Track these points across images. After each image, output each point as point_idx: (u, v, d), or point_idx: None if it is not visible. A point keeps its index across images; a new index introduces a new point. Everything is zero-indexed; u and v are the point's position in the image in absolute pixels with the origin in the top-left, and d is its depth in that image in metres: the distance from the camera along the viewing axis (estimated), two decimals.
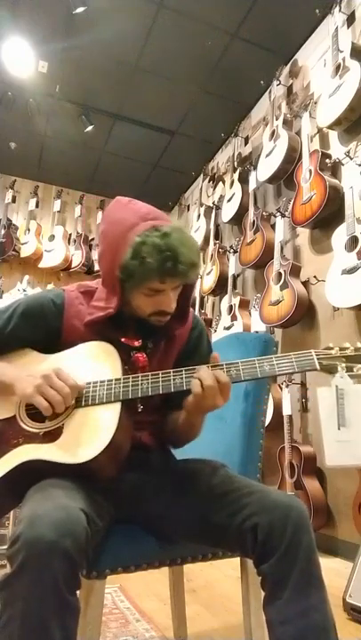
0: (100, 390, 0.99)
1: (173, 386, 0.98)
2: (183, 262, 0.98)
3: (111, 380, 0.99)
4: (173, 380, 0.98)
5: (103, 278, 1.11)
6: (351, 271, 2.31)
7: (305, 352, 0.96)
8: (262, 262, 3.11)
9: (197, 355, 1.18)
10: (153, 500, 1.05)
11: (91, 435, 0.94)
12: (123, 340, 1.10)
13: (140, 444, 1.11)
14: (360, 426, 0.96)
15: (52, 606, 0.72)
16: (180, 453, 1.20)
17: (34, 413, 1.01)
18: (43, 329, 1.10)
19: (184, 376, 0.98)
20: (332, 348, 0.96)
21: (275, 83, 3.37)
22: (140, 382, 0.98)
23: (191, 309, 1.21)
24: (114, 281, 1.03)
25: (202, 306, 4.15)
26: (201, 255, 1.06)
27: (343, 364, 0.94)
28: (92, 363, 1.04)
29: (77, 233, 4.81)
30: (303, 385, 2.81)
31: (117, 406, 0.97)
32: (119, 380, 0.99)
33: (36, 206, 4.86)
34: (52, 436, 0.96)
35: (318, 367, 0.94)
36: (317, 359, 0.94)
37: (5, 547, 0.77)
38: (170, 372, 0.99)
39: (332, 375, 0.95)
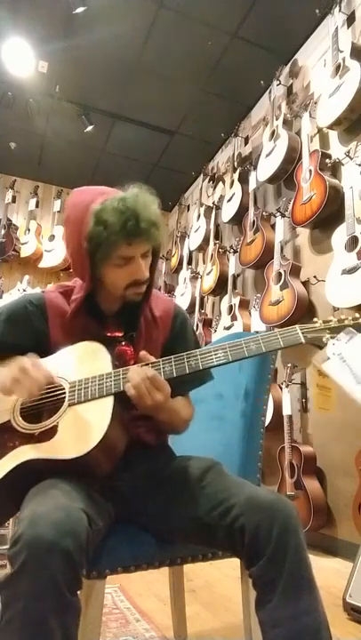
0: (92, 386, 0.99)
1: (163, 374, 0.99)
2: (144, 219, 1.01)
3: (102, 375, 1.00)
4: (163, 368, 0.99)
5: (73, 262, 1.12)
6: (351, 271, 2.31)
7: (289, 328, 0.98)
8: (262, 262, 3.11)
9: (183, 340, 1.20)
10: (151, 500, 1.05)
11: (85, 430, 0.94)
12: (107, 333, 1.12)
13: (139, 442, 1.11)
14: None
15: (53, 606, 0.72)
16: (179, 452, 1.20)
17: (29, 416, 1.02)
18: (30, 333, 1.11)
19: (173, 363, 0.99)
20: (316, 322, 0.98)
21: (275, 83, 3.37)
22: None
23: (171, 299, 1.25)
24: (83, 258, 1.05)
25: (202, 306, 4.15)
26: (161, 217, 1.12)
27: (328, 335, 0.96)
28: (82, 363, 1.05)
29: None
30: (303, 385, 2.81)
31: (110, 400, 0.98)
32: (110, 374, 1.00)
33: (36, 206, 4.86)
34: (47, 436, 0.96)
35: (303, 340, 0.96)
36: (302, 333, 0.97)
37: (6, 547, 0.77)
38: (159, 362, 1.00)
39: (326, 348, 0.97)
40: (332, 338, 0.96)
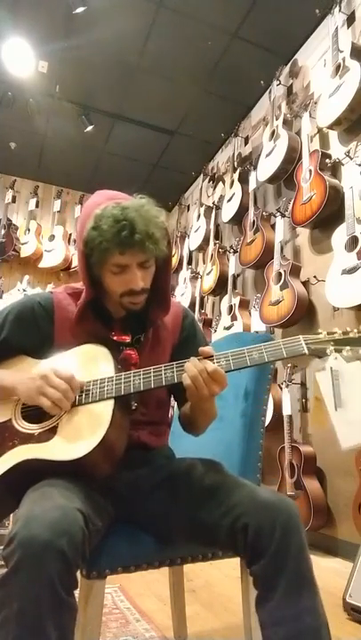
0: (94, 389, 1.00)
1: (165, 380, 0.99)
2: (140, 232, 0.99)
3: (104, 379, 1.00)
4: (165, 374, 0.99)
5: (78, 263, 1.12)
6: (351, 271, 2.31)
7: (293, 338, 0.96)
8: (262, 262, 3.11)
9: (194, 343, 1.18)
10: (151, 500, 1.05)
11: (84, 432, 0.94)
12: (114, 337, 1.12)
13: (139, 443, 1.11)
14: (356, 405, 0.95)
15: (48, 606, 0.72)
16: (180, 453, 1.20)
17: (29, 415, 1.02)
18: (35, 334, 1.11)
19: (175, 370, 0.98)
20: (320, 333, 0.96)
21: (275, 83, 3.37)
22: (132, 378, 0.99)
23: (175, 300, 1.23)
24: (80, 260, 1.05)
25: (202, 306, 4.15)
26: (165, 230, 1.03)
27: (332, 347, 0.94)
28: (85, 365, 1.05)
29: None
30: (303, 385, 2.80)
31: (110, 403, 0.97)
32: (112, 377, 1.00)
33: (36, 206, 4.86)
34: (46, 436, 0.96)
35: (307, 352, 0.94)
36: (306, 344, 0.94)
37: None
38: (161, 367, 1.00)
39: (326, 358, 0.94)
40: (336, 351, 0.93)
